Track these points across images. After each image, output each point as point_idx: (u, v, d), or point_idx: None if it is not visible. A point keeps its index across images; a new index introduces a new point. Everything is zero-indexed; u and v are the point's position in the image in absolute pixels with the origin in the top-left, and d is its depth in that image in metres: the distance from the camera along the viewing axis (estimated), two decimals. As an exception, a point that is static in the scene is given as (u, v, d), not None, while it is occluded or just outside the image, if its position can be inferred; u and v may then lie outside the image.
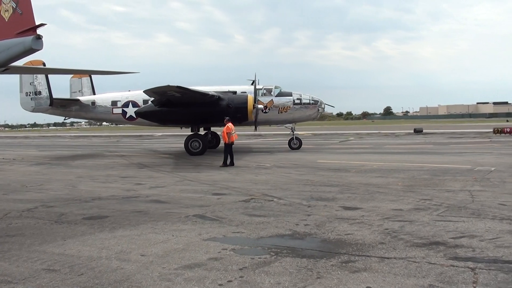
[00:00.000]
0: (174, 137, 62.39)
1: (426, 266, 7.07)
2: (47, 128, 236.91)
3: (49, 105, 34.52)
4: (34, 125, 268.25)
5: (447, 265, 7.09)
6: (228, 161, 22.96)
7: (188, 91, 27.85)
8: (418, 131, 54.08)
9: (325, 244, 8.37)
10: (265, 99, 32.09)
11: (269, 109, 32.04)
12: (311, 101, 33.11)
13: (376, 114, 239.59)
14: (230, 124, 23.67)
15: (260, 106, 31.22)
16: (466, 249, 7.86)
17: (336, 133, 63.43)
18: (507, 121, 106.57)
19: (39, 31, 9.94)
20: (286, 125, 34.06)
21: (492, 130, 49.61)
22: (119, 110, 33.90)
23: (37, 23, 9.94)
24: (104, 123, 52.65)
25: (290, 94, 33.05)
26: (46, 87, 34.26)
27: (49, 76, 34.50)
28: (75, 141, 63.62)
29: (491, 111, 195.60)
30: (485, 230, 9.07)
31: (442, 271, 6.82)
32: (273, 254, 7.81)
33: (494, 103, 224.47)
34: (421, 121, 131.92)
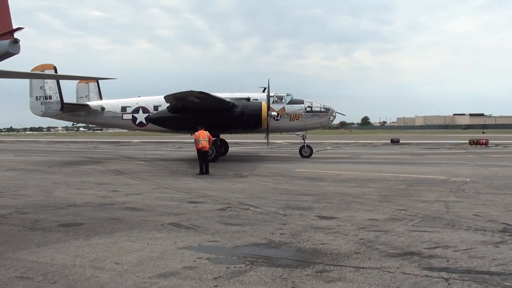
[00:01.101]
0: (152, 144, 62.22)
1: (400, 276, 7.10)
2: (23, 132, 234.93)
3: (60, 110, 34.12)
4: (10, 129, 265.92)
5: (421, 275, 7.13)
6: (204, 169, 23.04)
7: (210, 97, 27.91)
8: (395, 142, 54.38)
9: (301, 254, 8.37)
10: (277, 107, 31.97)
11: (280, 116, 31.92)
12: (323, 109, 33.12)
13: (353, 124, 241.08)
14: (200, 132, 23.89)
15: (273, 113, 31.18)
16: (441, 260, 7.91)
17: (313, 142, 63.43)
18: (483, 132, 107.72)
19: (16, 35, 9.87)
20: (297, 132, 33.91)
21: (468, 141, 50.08)
22: (129, 116, 33.61)
23: (14, 27, 9.87)
24: (108, 129, 52.22)
25: (301, 102, 33.02)
26: (57, 91, 33.89)
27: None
28: (52, 146, 63.08)
29: (467, 123, 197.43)
30: (460, 241, 9.13)
31: (416, 281, 6.86)
32: (249, 263, 7.79)
33: (471, 115, 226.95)
34: (398, 132, 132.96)
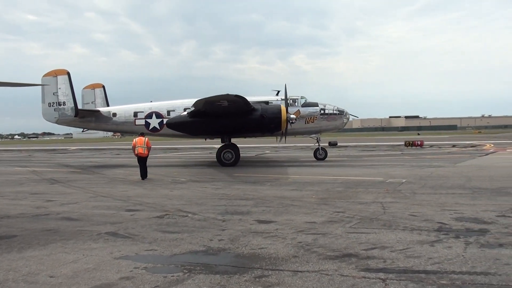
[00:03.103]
0: (89, 151, 61.21)
1: (338, 278, 7.13)
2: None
3: (74, 116, 33.18)
4: None
5: (358, 276, 7.17)
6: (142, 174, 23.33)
7: (242, 100, 27.82)
8: (332, 144, 54.90)
9: (239, 259, 8.31)
10: (291, 110, 31.64)
11: (295, 119, 31.61)
12: (337, 111, 33.11)
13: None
14: (138, 139, 24.21)
15: (292, 116, 30.92)
16: (378, 260, 7.98)
17: (252, 146, 63.67)
18: (418, 134, 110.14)
19: None
20: (311, 135, 33.98)
21: (403, 143, 51.03)
22: (142, 121, 33.07)
23: None
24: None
25: (316, 105, 32.98)
26: (71, 97, 32.93)
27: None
28: (-16, 156, 61.27)
29: (403, 125, 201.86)
30: (396, 241, 9.25)
31: (354, 283, 6.89)
32: (186, 271, 7.68)
33: (406, 117, 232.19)
34: (336, 134, 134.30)
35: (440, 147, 48.71)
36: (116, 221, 12.35)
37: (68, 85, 32.76)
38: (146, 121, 32.94)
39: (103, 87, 37.83)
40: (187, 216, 12.77)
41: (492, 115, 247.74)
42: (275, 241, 9.53)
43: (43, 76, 32.98)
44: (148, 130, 32.94)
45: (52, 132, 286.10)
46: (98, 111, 34.41)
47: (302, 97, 32.89)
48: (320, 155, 33.77)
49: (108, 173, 26.04)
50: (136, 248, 9.37)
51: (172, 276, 7.47)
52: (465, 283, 6.81)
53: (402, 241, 9.27)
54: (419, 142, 43.27)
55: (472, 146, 49.36)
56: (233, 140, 32.24)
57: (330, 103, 33.51)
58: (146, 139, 24.31)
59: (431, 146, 43.67)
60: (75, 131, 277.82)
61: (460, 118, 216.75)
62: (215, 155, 31.12)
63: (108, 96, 37.17)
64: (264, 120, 29.33)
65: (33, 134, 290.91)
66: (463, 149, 45.02)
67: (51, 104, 33.09)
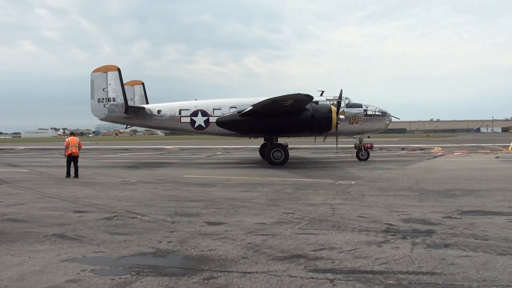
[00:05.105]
0: (38, 151, 60.11)
1: (287, 279, 7.15)
2: None
3: (124, 113, 32.42)
4: None
5: (307, 277, 7.21)
6: (72, 173, 24.54)
7: (310, 100, 28.15)
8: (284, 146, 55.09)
9: (188, 261, 8.26)
10: None
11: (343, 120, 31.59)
12: (380, 113, 33.10)
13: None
14: (71, 139, 25.45)
15: (342, 116, 31.03)
16: (326, 261, 8.04)
17: (204, 147, 63.53)
18: (368, 137, 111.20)
19: None
20: (354, 136, 34.00)
21: (353, 145, 51.55)
22: (188, 119, 32.71)
23: None
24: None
25: (360, 106, 32.91)
26: (121, 93, 32.15)
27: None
28: None
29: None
30: (345, 242, 9.34)
31: (302, 284, 6.92)
32: (134, 273, 7.59)
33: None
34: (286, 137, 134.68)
35: (389, 150, 49.41)
36: (64, 222, 12.15)
37: (118, 81, 32.15)
38: (191, 119, 32.75)
39: (143, 84, 37.66)
40: (136, 217, 12.65)
41: (441, 120, 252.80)
42: (224, 243, 9.51)
43: (93, 71, 32.37)
44: (193, 128, 32.99)
45: None
46: (143, 108, 34.02)
47: (346, 98, 32.80)
48: (362, 156, 33.91)
49: (57, 174, 25.59)
50: (83, 250, 9.23)
51: (120, 278, 7.38)
52: (411, 282, 6.92)
53: (350, 242, 9.37)
54: (368, 145, 43.57)
55: (420, 150, 50.18)
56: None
57: (372, 104, 33.65)
58: (78, 139, 25.48)
59: (381, 149, 44.33)
60: (24, 131, 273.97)
61: (409, 122, 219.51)
62: (260, 154, 33.79)
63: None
64: (315, 120, 29.54)
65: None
66: (412, 152, 45.77)
67: (101, 100, 32.39)
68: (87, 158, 41.73)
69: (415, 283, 6.91)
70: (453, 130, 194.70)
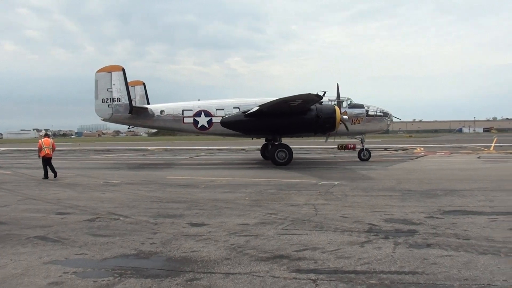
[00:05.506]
0: (20, 152, 59.67)
1: (269, 280, 7.16)
2: None
3: (129, 113, 31.95)
4: None
5: (290, 277, 7.23)
6: (52, 175, 24.53)
7: (319, 100, 28.43)
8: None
9: (171, 263, 8.25)
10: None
11: (346, 120, 31.61)
12: (381, 113, 33.15)
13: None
14: (44, 140, 25.29)
15: (345, 117, 31.12)
16: (309, 261, 8.06)
17: (187, 148, 63.39)
18: (337, 138, 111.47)
19: None
20: (356, 136, 34.14)
21: (337, 146, 51.69)
22: (191, 120, 32.57)
23: None
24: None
25: (362, 106, 32.94)
26: (126, 93, 31.70)
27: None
28: None
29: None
30: (327, 242, 9.36)
31: (285, 284, 6.94)
32: (117, 275, 7.57)
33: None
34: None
35: (372, 150, 49.52)
36: (46, 224, 12.06)
37: (123, 81, 31.74)
38: (194, 119, 32.63)
39: (144, 84, 37.51)
40: (118, 219, 12.59)
41: (423, 120, 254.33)
42: (207, 244, 9.50)
43: (97, 71, 31.94)
44: (196, 128, 32.92)
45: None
46: (146, 108, 33.86)
47: (348, 98, 32.97)
48: (364, 156, 33.92)
49: (39, 175, 25.39)
50: (66, 252, 9.17)
51: (102, 280, 7.34)
52: (394, 282, 6.96)
53: (333, 242, 9.40)
54: (351, 146, 43.77)
55: (403, 150, 50.44)
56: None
57: (374, 104, 33.77)
58: (52, 140, 25.38)
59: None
60: (5, 132, 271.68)
61: (392, 122, 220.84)
62: (261, 154, 34.21)
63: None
64: (319, 120, 29.68)
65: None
66: (395, 152, 45.96)
67: (105, 100, 31.94)
68: (69, 160, 41.55)
69: (398, 282, 6.95)
70: (436, 131, 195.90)
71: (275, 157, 30.01)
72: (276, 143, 31.58)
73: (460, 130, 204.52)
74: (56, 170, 24.78)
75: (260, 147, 39.52)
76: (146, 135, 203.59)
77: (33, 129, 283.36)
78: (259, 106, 29.68)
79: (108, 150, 58.76)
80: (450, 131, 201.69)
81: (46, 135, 25.66)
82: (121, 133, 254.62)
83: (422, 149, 52.04)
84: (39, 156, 25.00)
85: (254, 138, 38.01)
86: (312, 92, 26.93)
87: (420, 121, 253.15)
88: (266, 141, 37.18)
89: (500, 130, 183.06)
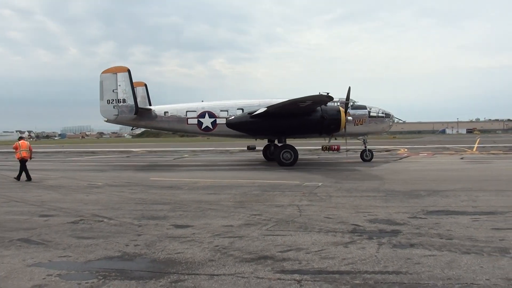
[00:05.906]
0: (2, 154, 59.14)
1: (254, 281, 7.18)
2: None
3: (134, 114, 31.76)
4: None
5: (274, 278, 7.25)
6: (27, 177, 24.55)
7: (329, 100, 28.58)
8: (251, 148, 54.98)
9: (155, 264, 8.23)
10: None
11: (350, 121, 31.63)
12: (384, 114, 33.28)
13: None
14: (21, 142, 25.34)
15: (350, 118, 31.16)
16: (293, 262, 8.09)
17: (171, 150, 63.23)
18: (335, 139, 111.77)
19: None
20: (359, 137, 34.22)
21: (320, 147, 51.81)
22: (195, 121, 32.54)
23: None
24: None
25: (364, 107, 33.12)
26: (131, 95, 31.52)
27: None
28: None
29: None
30: (311, 243, 9.40)
31: (270, 285, 6.96)
32: (101, 277, 7.54)
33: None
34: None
35: (356, 152, 49.58)
36: (29, 227, 11.98)
37: (128, 82, 31.56)
38: (198, 121, 32.62)
39: (145, 85, 37.39)
40: (102, 221, 12.53)
41: (406, 121, 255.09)
42: (192, 246, 9.49)
43: (102, 72, 31.81)
44: (200, 130, 32.91)
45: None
46: (150, 109, 33.82)
47: (351, 99, 32.81)
48: (366, 156, 33.93)
49: (22, 177, 25.23)
50: (49, 254, 9.12)
51: (86, 283, 7.32)
52: (378, 282, 7.00)
53: (317, 242, 9.43)
54: (335, 147, 43.95)
55: (387, 151, 50.58)
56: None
57: (376, 106, 33.87)
58: (28, 143, 25.57)
59: (348, 150, 44.47)
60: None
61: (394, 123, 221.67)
62: (264, 155, 35.00)
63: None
64: (324, 121, 29.85)
65: None
66: (378, 153, 46.07)
67: (110, 101, 31.79)
68: (52, 162, 41.28)
69: (381, 282, 7.00)
70: (419, 132, 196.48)
71: (281, 158, 30.05)
72: (280, 144, 31.72)
73: (443, 131, 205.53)
74: (39, 172, 24.69)
75: (260, 147, 39.53)
76: (130, 136, 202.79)
77: (16, 131, 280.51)
78: (267, 107, 29.70)
79: (92, 152, 58.47)
80: (433, 132, 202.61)
81: (21, 138, 25.71)
82: (105, 134, 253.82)
83: (406, 150, 52.35)
84: (18, 158, 25.02)
85: (257, 139, 38.09)
86: (322, 93, 27.29)
87: (404, 122, 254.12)
88: (268, 142, 37.21)
89: (482, 131, 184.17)
